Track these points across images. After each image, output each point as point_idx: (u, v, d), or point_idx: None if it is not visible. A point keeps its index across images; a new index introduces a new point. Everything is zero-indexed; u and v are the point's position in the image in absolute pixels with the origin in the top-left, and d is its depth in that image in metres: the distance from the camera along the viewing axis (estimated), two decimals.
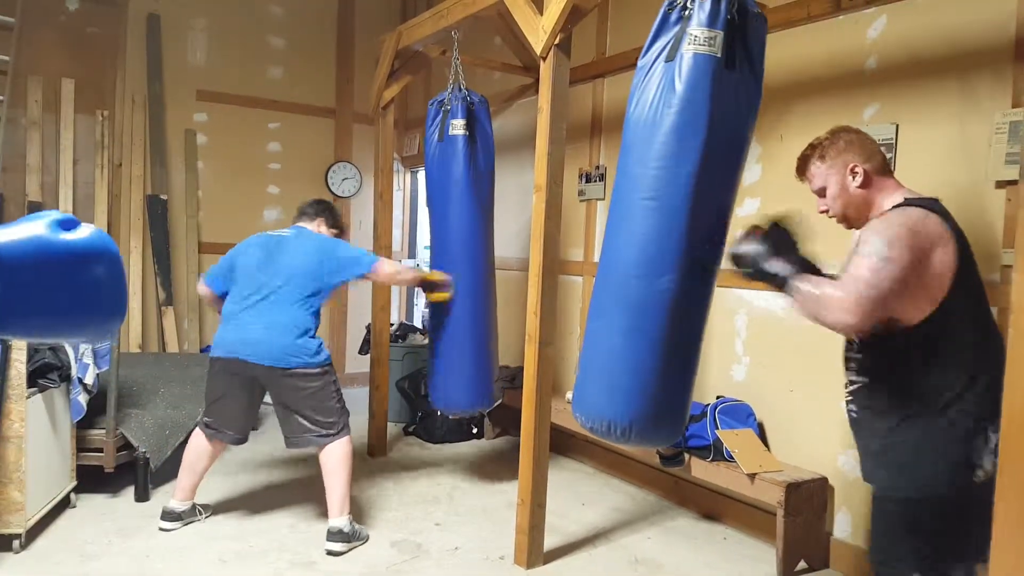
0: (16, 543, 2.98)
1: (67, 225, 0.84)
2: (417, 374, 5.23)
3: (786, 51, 3.25)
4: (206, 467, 3.37)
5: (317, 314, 3.24)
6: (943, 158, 2.74)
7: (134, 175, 5.45)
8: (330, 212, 3.51)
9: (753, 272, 1.95)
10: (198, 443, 3.34)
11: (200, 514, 3.40)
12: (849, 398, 2.00)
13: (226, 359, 3.18)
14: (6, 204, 4.99)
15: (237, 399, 3.26)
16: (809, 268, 1.93)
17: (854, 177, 1.94)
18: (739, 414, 3.38)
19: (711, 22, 2.04)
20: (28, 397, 3.00)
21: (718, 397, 3.52)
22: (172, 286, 5.56)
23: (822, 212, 2.04)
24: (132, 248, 5.39)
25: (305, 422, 3.19)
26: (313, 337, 3.19)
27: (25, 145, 5.09)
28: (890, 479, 1.88)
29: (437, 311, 3.77)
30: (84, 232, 0.85)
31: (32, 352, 3.11)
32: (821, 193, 2.02)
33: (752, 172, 3.45)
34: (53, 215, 0.84)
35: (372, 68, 4.55)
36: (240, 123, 5.98)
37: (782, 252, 1.93)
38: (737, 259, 1.98)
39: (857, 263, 1.75)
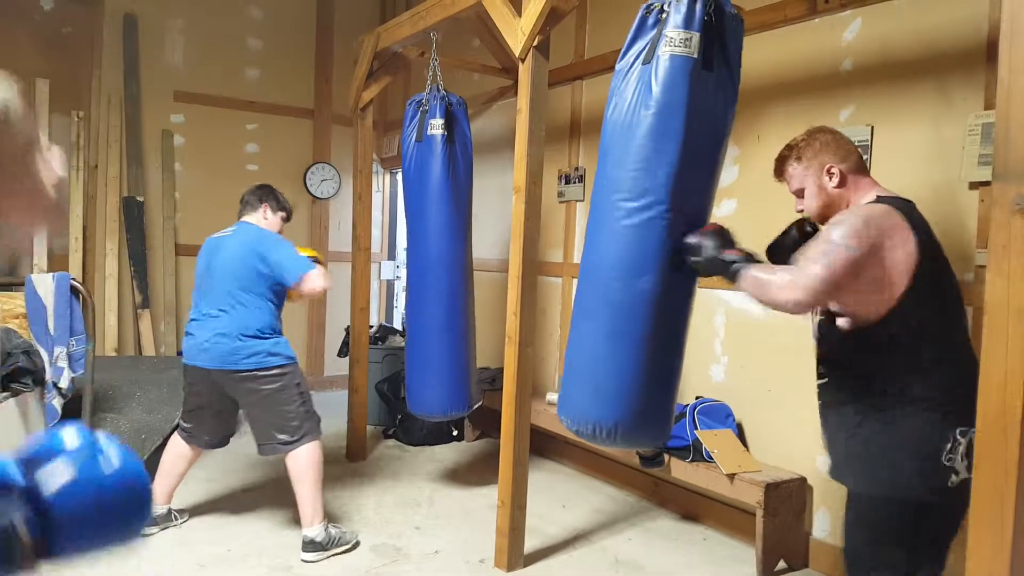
0: None
1: (94, 448, 0.91)
2: (396, 376, 5.20)
3: (763, 53, 3.27)
4: (183, 472, 3.33)
5: (269, 312, 3.11)
6: (918, 159, 2.77)
7: (110, 176, 5.39)
8: (273, 196, 3.33)
9: (705, 261, 2.01)
10: (175, 447, 3.30)
11: (176, 519, 3.36)
12: (817, 392, 2.03)
13: (189, 366, 3.17)
14: None
15: (208, 405, 3.22)
16: (755, 261, 1.98)
17: (830, 178, 1.96)
18: (718, 414, 3.39)
19: (687, 24, 2.05)
20: (1, 401, 2.95)
21: (697, 397, 3.53)
22: (148, 289, 5.49)
23: (800, 212, 2.06)
24: (108, 250, 5.32)
25: (266, 427, 3.11)
26: (266, 337, 3.07)
27: None
28: (854, 477, 1.91)
29: (411, 314, 3.72)
30: (114, 456, 0.92)
31: (5, 356, 3.06)
32: (799, 194, 2.04)
33: (729, 173, 3.46)
34: (78, 436, 0.91)
35: (351, 69, 4.53)
36: (218, 124, 5.93)
37: (731, 245, 2.01)
38: (689, 249, 2.05)
39: (812, 247, 1.82)
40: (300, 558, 3.08)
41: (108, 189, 5.37)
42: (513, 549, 3.07)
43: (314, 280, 3.06)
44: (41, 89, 5.14)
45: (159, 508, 3.29)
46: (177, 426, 3.39)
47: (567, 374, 2.36)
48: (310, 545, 3.09)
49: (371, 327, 4.96)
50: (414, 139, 3.69)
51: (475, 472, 4.34)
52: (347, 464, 4.38)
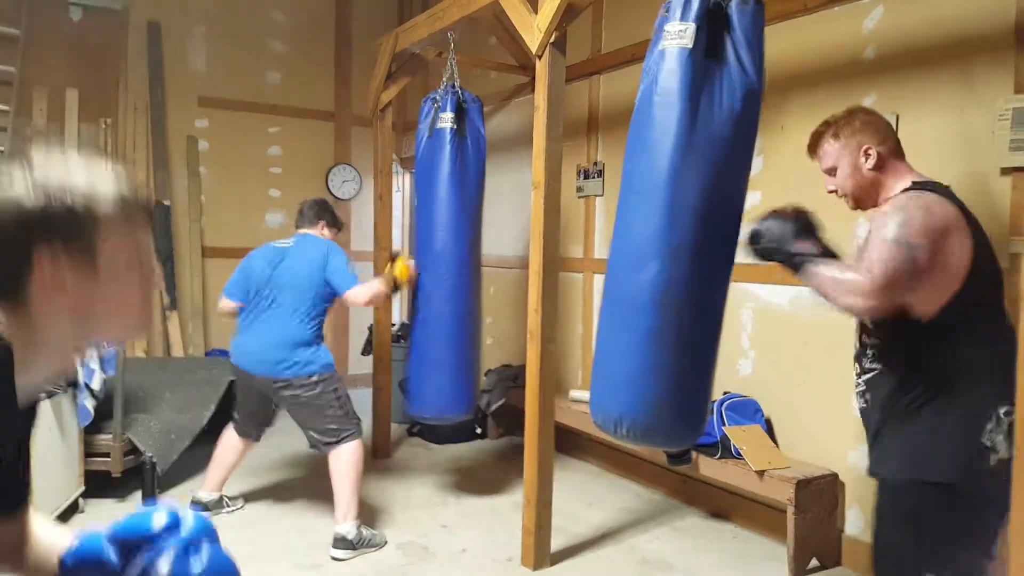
0: None
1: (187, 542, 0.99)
2: None
3: (784, 43, 3.22)
4: (234, 462, 3.49)
5: (317, 323, 3.25)
6: (945, 146, 2.72)
7: (137, 181, 5.44)
8: (329, 212, 3.52)
9: (775, 248, 1.93)
10: (227, 438, 3.46)
11: (227, 506, 3.53)
12: (862, 387, 1.97)
13: (236, 367, 3.31)
14: None
15: (253, 403, 3.38)
16: (829, 256, 1.91)
17: (867, 159, 1.92)
18: (746, 410, 3.35)
19: (684, 15, 2.08)
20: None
21: (724, 393, 3.48)
22: (176, 291, 5.56)
23: (831, 192, 2.02)
24: None
25: (308, 429, 3.25)
26: (310, 346, 3.20)
27: (30, 154, 5.08)
28: (901, 464, 1.84)
29: (415, 310, 3.71)
30: (205, 557, 0.99)
31: None
32: (831, 172, 1.99)
33: (753, 165, 3.41)
34: (176, 540, 0.98)
35: (370, 71, 4.55)
36: (241, 128, 5.99)
37: (806, 236, 1.92)
38: (759, 234, 1.96)
39: (874, 247, 1.74)
40: (330, 555, 3.11)
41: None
42: (539, 548, 3.06)
43: (360, 293, 3.25)
44: (70, 98, 5.22)
45: (208, 495, 3.46)
46: (231, 418, 3.52)
47: (593, 369, 2.36)
48: (341, 542, 3.12)
49: (393, 325, 4.97)
50: (426, 135, 3.69)
51: (500, 470, 4.33)
52: (372, 462, 4.39)
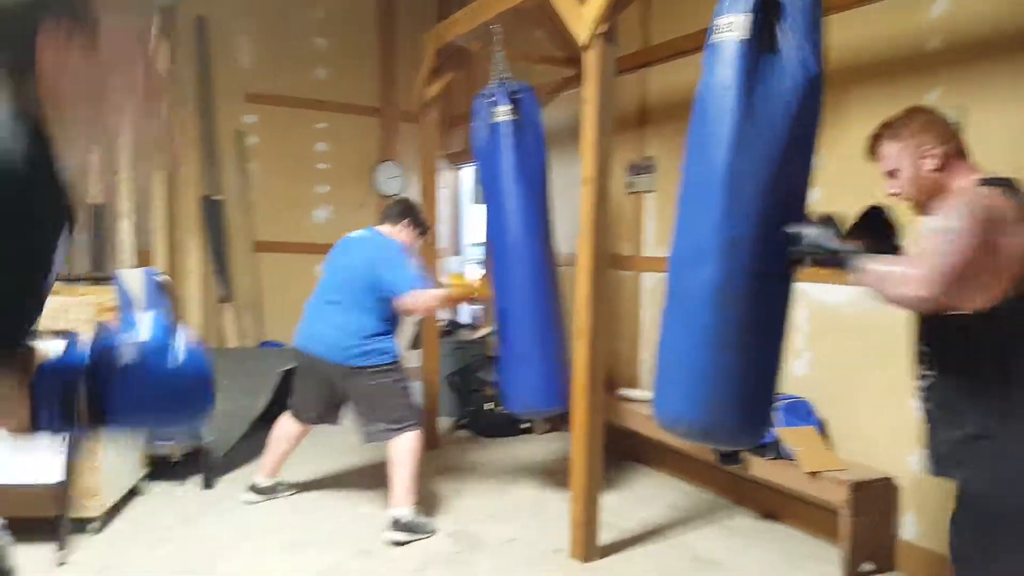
0: (93, 526, 3.11)
1: (165, 333, 1.03)
2: (467, 368, 5.25)
3: (843, 35, 3.16)
4: (288, 449, 3.55)
5: (383, 314, 3.27)
6: (1016, 143, 2.64)
7: (189, 177, 5.55)
8: (414, 214, 3.52)
9: (816, 251, 1.92)
10: (283, 425, 3.53)
11: (283, 491, 3.60)
12: (922, 393, 1.94)
13: (300, 351, 3.37)
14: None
15: (314, 386, 3.42)
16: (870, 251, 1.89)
17: (929, 160, 1.88)
18: (800, 411, 3.31)
19: (737, 7, 2.04)
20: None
21: (778, 394, 3.43)
22: (230, 283, 5.65)
23: (892, 195, 1.98)
24: (190, 248, 5.49)
25: (371, 417, 3.29)
26: (378, 336, 3.25)
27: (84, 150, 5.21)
28: (969, 476, 1.81)
29: (497, 307, 3.73)
30: (182, 341, 1.04)
31: None
32: (892, 174, 1.96)
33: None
34: (155, 332, 1.03)
35: (415, 66, 4.56)
36: (288, 124, 6.04)
37: (841, 234, 1.91)
38: (797, 239, 1.96)
39: (927, 238, 1.72)
40: (386, 537, 3.17)
41: (187, 189, 5.53)
42: (588, 541, 3.07)
43: (419, 298, 3.22)
44: None
45: (264, 480, 3.52)
46: (288, 405, 3.58)
47: (656, 367, 2.34)
48: (398, 525, 3.19)
49: (440, 321, 5.00)
50: (483, 131, 3.69)
51: (547, 464, 4.34)
52: (423, 453, 4.40)
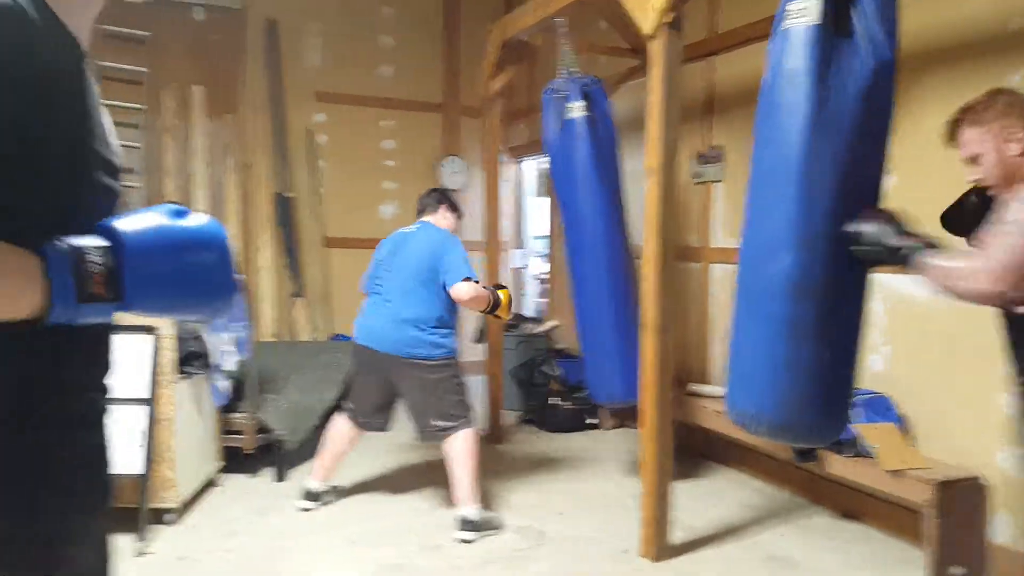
0: (170, 517, 3.20)
1: (181, 214, 0.93)
2: (531, 362, 5.24)
3: (920, 15, 3.02)
4: (343, 452, 3.52)
5: (438, 307, 3.27)
6: None
7: (261, 175, 5.68)
8: (448, 198, 3.56)
9: (877, 249, 1.86)
10: (337, 427, 3.49)
11: (332, 497, 3.57)
12: (1017, 388, 1.84)
13: (359, 346, 3.37)
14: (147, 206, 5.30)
15: (370, 385, 3.40)
16: (932, 245, 1.82)
17: (1014, 144, 1.78)
18: (879, 407, 3.19)
19: None
20: (176, 383, 3.20)
21: (856, 389, 3.32)
22: (301, 279, 5.77)
23: (974, 181, 1.89)
24: (263, 244, 5.62)
25: (425, 413, 3.28)
26: (432, 330, 3.24)
27: (160, 150, 5.39)
28: None
29: (576, 302, 3.75)
30: (197, 219, 0.94)
31: (180, 341, 3.31)
32: (973, 160, 1.87)
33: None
34: (167, 206, 0.93)
35: (478, 61, 4.57)
36: (356, 122, 6.14)
37: (903, 230, 1.85)
38: (857, 237, 1.90)
39: (996, 231, 1.65)
40: (455, 537, 3.18)
41: (260, 187, 5.67)
42: (659, 539, 3.02)
43: (465, 289, 3.20)
44: (196, 95, 5.48)
45: (317, 484, 3.49)
46: (341, 406, 3.58)
47: (728, 362, 2.29)
48: (466, 524, 3.19)
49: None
50: (555, 126, 3.67)
51: (615, 461, 4.30)
52: (488, 448, 4.43)
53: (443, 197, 3.55)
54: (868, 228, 1.88)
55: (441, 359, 3.25)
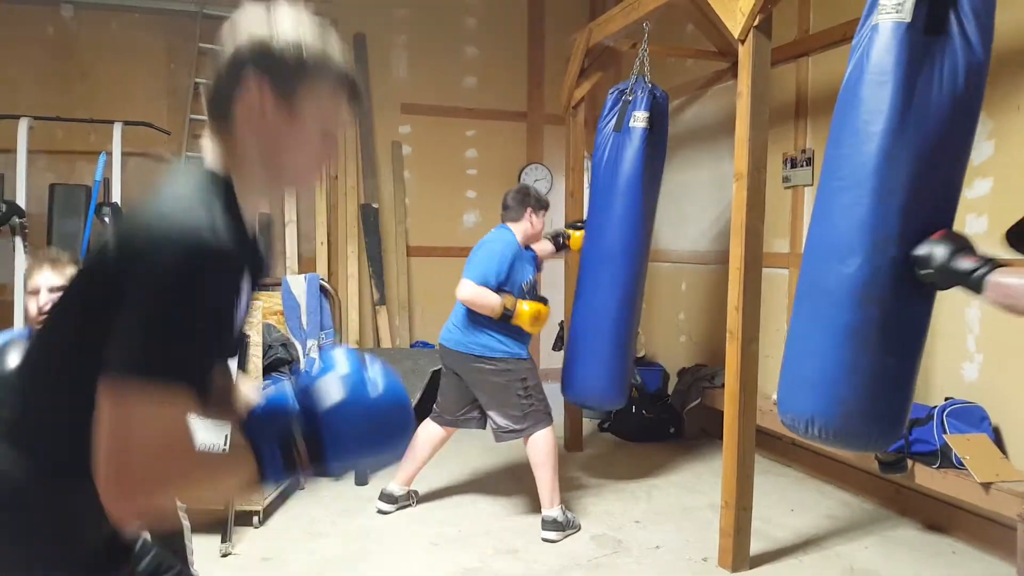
0: (255, 519, 3.33)
1: (360, 367, 1.04)
2: None
3: (1019, 13, 2.89)
4: (428, 456, 3.59)
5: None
6: None
7: (348, 186, 5.89)
8: (530, 200, 3.50)
9: (937, 272, 1.82)
10: (425, 432, 3.56)
11: (412, 500, 3.62)
12: None
13: (439, 344, 3.49)
14: None
15: (451, 382, 3.49)
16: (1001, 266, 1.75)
17: None
18: (971, 417, 3.06)
19: None
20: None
21: (947, 399, 3.20)
22: (385, 287, 5.94)
23: None
24: (349, 253, 5.82)
25: (494, 416, 3.35)
26: (478, 329, 3.31)
27: None
28: None
29: (579, 297, 3.78)
30: (376, 373, 1.04)
31: (266, 348, 3.46)
32: None
33: (982, 150, 3.10)
34: (353, 367, 1.04)
35: (562, 69, 4.61)
36: (440, 133, 6.26)
37: (969, 251, 1.78)
38: (921, 260, 1.85)
39: None
40: (541, 537, 3.24)
41: (347, 198, 5.87)
42: (738, 550, 2.98)
43: (468, 289, 3.26)
44: None
45: (399, 489, 3.56)
46: (430, 410, 3.64)
47: (783, 365, 2.27)
48: (551, 525, 3.24)
49: None
50: (612, 128, 3.66)
51: (694, 470, 4.26)
52: (565, 454, 4.47)
53: (524, 200, 3.49)
54: (937, 251, 1.83)
55: (499, 359, 3.29)
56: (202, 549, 2.99)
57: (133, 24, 5.32)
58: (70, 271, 2.17)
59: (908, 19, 1.91)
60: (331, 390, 0.99)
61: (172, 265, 0.86)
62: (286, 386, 1.04)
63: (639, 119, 3.58)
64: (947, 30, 1.92)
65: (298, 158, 1.04)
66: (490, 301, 3.24)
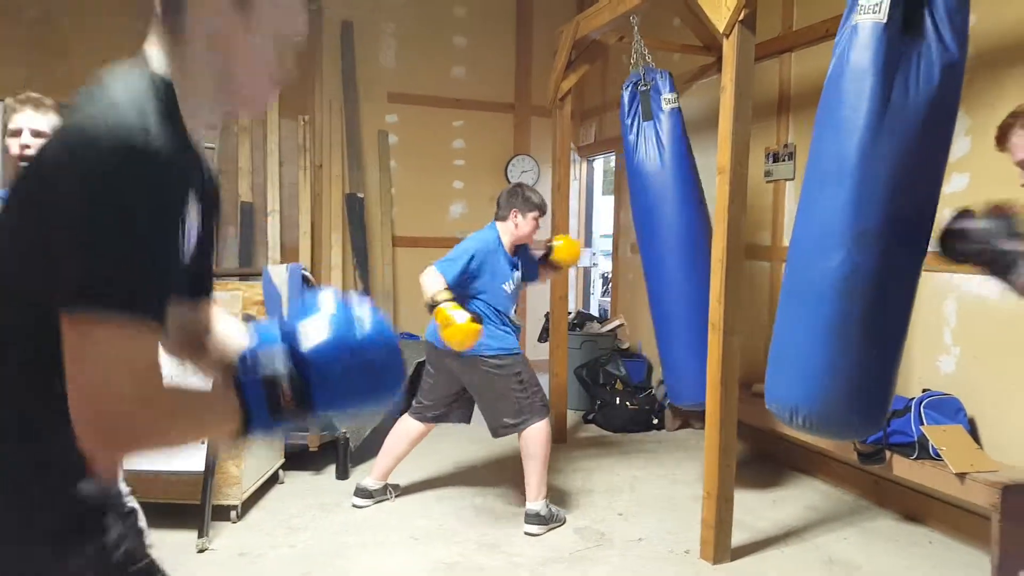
0: (233, 513, 3.27)
1: (349, 306, 0.99)
2: (595, 362, 5.26)
3: (996, 13, 2.92)
4: (405, 451, 3.56)
5: (480, 305, 3.29)
6: None
7: (333, 175, 5.87)
8: (519, 197, 3.40)
9: (982, 248, 1.78)
10: (401, 427, 3.54)
11: (390, 494, 3.60)
12: None
13: (427, 343, 3.43)
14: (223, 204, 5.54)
15: (440, 379, 3.45)
16: None
17: None
18: (947, 409, 3.11)
19: None
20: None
21: (924, 390, 3.25)
22: (369, 278, 5.94)
23: None
24: (333, 243, 5.81)
25: (490, 410, 3.33)
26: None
27: (236, 150, 5.62)
28: None
29: (656, 301, 3.75)
30: (363, 312, 0.99)
31: None
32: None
33: (960, 145, 3.14)
34: (339, 307, 0.99)
35: (549, 61, 4.61)
36: (427, 122, 6.26)
37: (1013, 235, 1.76)
38: (962, 235, 1.83)
39: None
40: (524, 531, 3.24)
41: (332, 187, 5.85)
42: (719, 542, 3.00)
43: (423, 274, 3.19)
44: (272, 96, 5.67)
45: (374, 484, 3.55)
46: (408, 406, 3.60)
47: (770, 356, 2.31)
48: (534, 518, 3.25)
49: (569, 314, 5.03)
50: (640, 120, 3.66)
51: (677, 462, 4.29)
52: (551, 447, 4.46)
53: (513, 201, 3.40)
54: (978, 225, 1.80)
55: (494, 355, 3.26)
56: (178, 544, 2.98)
57: (112, 4, 5.24)
58: (52, 117, 2.14)
59: (884, 19, 1.95)
60: (317, 330, 0.95)
61: (100, 169, 0.79)
62: (272, 327, 0.98)
63: (670, 100, 3.60)
64: (922, 30, 1.96)
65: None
66: (430, 285, 3.14)
